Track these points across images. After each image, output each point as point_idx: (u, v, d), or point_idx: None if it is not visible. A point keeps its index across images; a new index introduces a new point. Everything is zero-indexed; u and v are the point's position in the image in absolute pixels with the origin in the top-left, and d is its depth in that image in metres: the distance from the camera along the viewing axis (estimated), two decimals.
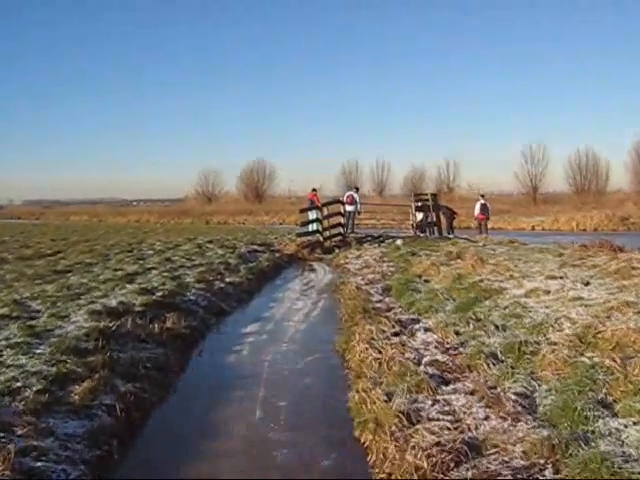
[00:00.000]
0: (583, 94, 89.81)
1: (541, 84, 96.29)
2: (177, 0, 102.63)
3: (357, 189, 23.37)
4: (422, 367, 5.88)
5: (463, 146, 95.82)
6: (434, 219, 22.61)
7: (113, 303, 8.08)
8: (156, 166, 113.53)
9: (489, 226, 24.45)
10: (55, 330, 6.60)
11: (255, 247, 17.49)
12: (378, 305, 9.35)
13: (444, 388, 5.34)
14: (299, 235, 19.18)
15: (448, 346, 6.62)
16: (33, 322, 6.93)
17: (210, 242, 18.58)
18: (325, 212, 19.44)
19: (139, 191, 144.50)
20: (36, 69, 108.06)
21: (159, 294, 9.07)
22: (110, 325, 6.91)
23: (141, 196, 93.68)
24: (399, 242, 19.00)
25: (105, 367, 5.52)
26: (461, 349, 6.41)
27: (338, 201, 21.60)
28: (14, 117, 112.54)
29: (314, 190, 21.42)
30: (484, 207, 23.05)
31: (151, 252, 15.58)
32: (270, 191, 66.60)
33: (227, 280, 11.56)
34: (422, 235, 21.35)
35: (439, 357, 6.20)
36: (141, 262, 13.10)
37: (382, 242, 19.58)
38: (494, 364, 5.71)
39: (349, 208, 20.95)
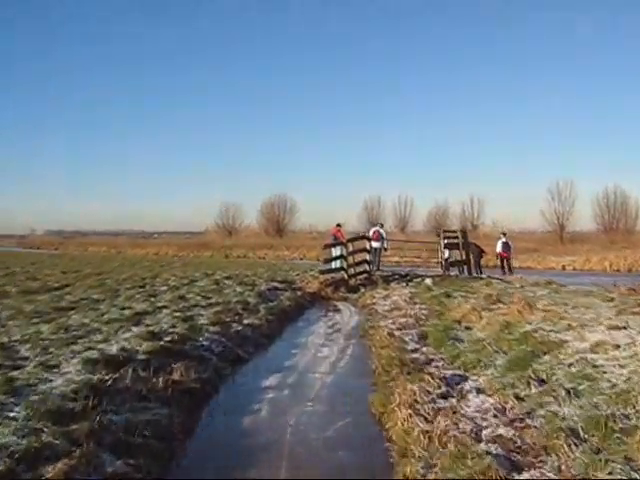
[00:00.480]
0: (610, 131, 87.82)
1: (567, 119, 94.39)
2: (204, 35, 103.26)
3: (382, 225, 22.37)
4: (483, 445, 4.72)
5: (487, 182, 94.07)
6: (463, 257, 21.45)
7: (113, 350, 7.03)
8: (177, 198, 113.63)
9: (513, 265, 23.50)
10: (38, 385, 5.53)
11: (276, 284, 16.41)
12: (415, 356, 8.21)
13: (517, 478, 4.18)
14: (322, 272, 18.06)
15: (511, 416, 5.42)
16: (15, 373, 5.88)
17: (228, 278, 17.55)
18: (350, 248, 18.32)
19: (159, 223, 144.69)
20: (61, 98, 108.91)
21: (167, 339, 8.01)
22: (106, 378, 5.85)
23: (161, 228, 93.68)
24: (429, 281, 17.84)
25: (91, 438, 4.44)
26: (528, 420, 5.22)
27: (364, 237, 20.56)
28: (43, 147, 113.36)
29: (338, 225, 20.42)
30: (506, 245, 22.45)
31: (164, 288, 14.56)
32: (291, 225, 66.13)
33: (245, 322, 10.49)
34: (452, 274, 20.21)
35: (502, 431, 5.03)
36: (152, 299, 12.08)
37: (410, 281, 18.39)
38: (576, 444, 4.53)
39: (375, 245, 19.92)
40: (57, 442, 4.25)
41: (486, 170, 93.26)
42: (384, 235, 20.91)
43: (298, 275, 19.81)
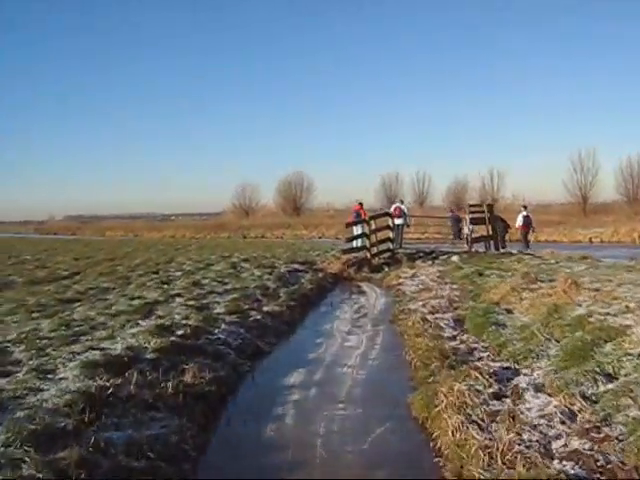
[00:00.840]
0: (631, 99, 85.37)
1: (585, 89, 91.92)
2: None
3: (402, 201, 21.42)
4: (557, 463, 3.90)
5: (506, 154, 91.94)
6: (489, 232, 20.47)
7: (118, 349, 6.24)
8: (195, 180, 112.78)
9: (531, 239, 22.64)
10: (28, 397, 4.76)
11: (296, 266, 15.61)
12: (454, 344, 7.39)
13: None
14: (344, 252, 17.14)
15: (583, 423, 4.54)
16: (3, 382, 5.13)
17: (246, 260, 16.76)
18: (372, 226, 17.43)
19: (178, 206, 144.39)
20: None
21: (180, 333, 7.23)
22: (107, 385, 5.08)
23: (179, 211, 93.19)
24: (456, 259, 16.95)
25: (83, 467, 3.67)
26: (606, 429, 4.36)
27: (386, 213, 19.66)
28: (63, 134, 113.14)
29: (360, 203, 19.54)
30: (527, 219, 21.34)
31: (179, 274, 13.80)
32: (308, 204, 65.02)
33: (265, 309, 9.71)
34: (480, 250, 19.28)
35: (577, 444, 4.18)
36: (165, 287, 11.32)
37: (436, 258, 17.50)
38: None
39: (398, 221, 19.01)
40: (39, 476, 3.47)
41: (504, 142, 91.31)
42: (406, 211, 20.01)
43: (319, 255, 19.02)
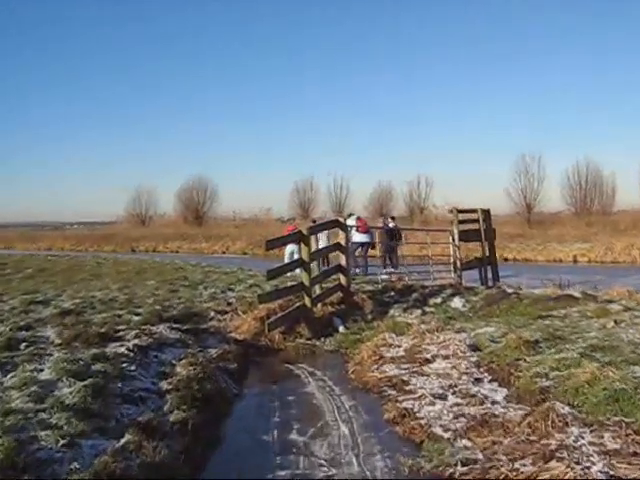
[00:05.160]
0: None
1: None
2: None
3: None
4: None
5: (434, 163, 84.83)
6: (486, 252, 13.28)
7: None
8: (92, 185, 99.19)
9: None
10: None
11: (164, 332, 7.40)
12: None
13: None
14: (262, 298, 8.46)
15: None
16: None
17: (65, 314, 8.52)
18: (314, 246, 9.36)
19: (77, 213, 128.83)
20: None
21: None
22: None
23: (79, 218, 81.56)
24: (458, 303, 9.70)
25: None
26: None
27: (335, 222, 11.05)
28: None
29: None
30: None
31: None
32: (212, 212, 56.67)
33: None
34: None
35: None
36: None
37: (422, 302, 10.02)
38: None
39: (358, 238, 11.46)
40: None
41: (430, 148, 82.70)
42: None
43: (215, 296, 10.80)
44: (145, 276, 14.44)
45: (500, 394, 5.42)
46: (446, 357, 6.45)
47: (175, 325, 7.84)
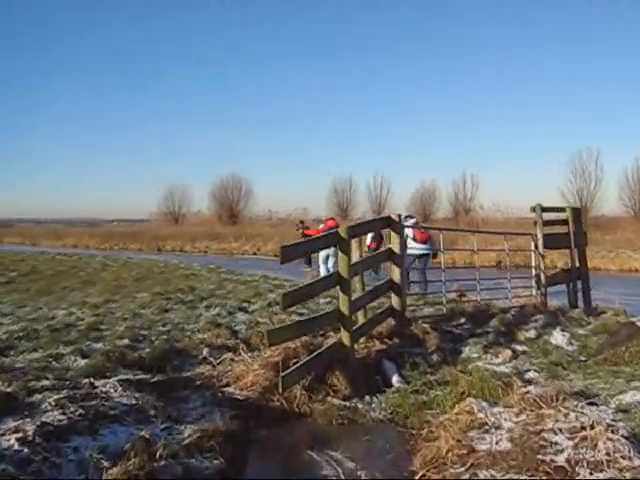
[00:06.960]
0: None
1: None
2: None
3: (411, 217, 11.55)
4: None
5: (482, 160, 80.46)
6: (575, 262, 10.24)
7: None
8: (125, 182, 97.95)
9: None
10: None
11: (118, 393, 4.64)
12: None
13: None
14: (274, 338, 5.11)
15: None
16: None
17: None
18: (356, 254, 6.47)
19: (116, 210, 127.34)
20: None
21: None
22: None
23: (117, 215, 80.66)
24: (562, 341, 6.75)
25: None
26: None
27: (387, 220, 7.48)
28: None
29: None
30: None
31: None
32: (247, 211, 54.39)
33: None
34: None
35: None
36: None
37: (507, 336, 7.05)
38: None
39: (416, 248, 8.62)
40: None
41: (479, 146, 78.60)
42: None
43: (221, 317, 7.98)
44: (143, 285, 11.81)
45: None
46: (596, 466, 3.52)
47: (139, 375, 5.10)
